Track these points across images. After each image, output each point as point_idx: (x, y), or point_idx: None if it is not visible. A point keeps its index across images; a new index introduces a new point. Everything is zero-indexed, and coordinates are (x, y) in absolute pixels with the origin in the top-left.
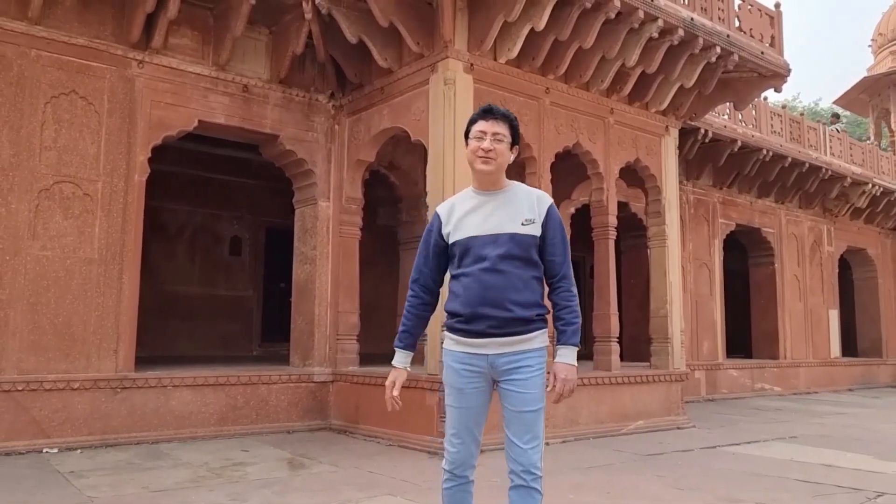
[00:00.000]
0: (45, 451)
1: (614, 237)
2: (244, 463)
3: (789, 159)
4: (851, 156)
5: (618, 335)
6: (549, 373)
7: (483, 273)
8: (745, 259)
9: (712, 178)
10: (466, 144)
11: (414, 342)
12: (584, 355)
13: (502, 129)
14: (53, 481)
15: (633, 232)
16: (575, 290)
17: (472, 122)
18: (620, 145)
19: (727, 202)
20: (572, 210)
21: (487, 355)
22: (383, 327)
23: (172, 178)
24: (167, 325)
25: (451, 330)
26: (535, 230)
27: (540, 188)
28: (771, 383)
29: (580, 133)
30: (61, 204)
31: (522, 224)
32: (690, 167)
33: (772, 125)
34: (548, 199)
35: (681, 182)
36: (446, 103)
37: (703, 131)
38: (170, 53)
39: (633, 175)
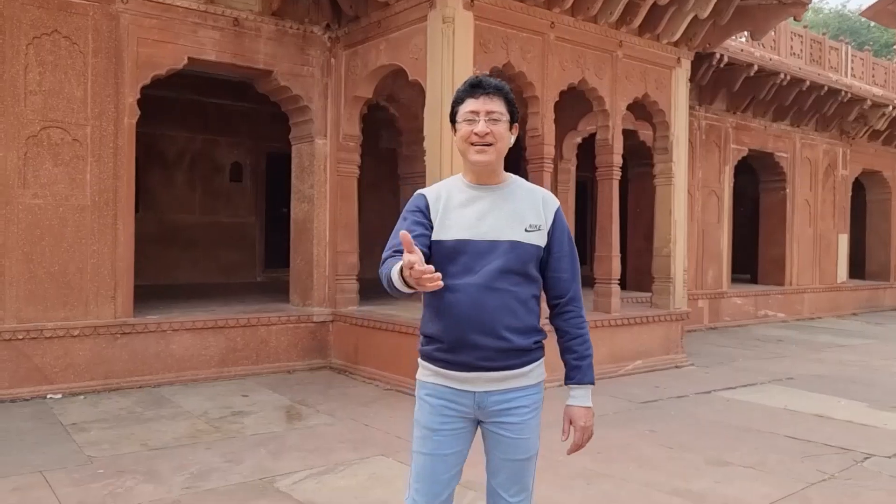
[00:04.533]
0: (49, 396)
1: (619, 177)
2: (243, 412)
3: (807, 83)
4: (873, 76)
5: (619, 277)
6: (567, 420)
7: (475, 290)
8: (756, 182)
9: (726, 103)
10: (454, 130)
11: None
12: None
13: (498, 105)
14: (54, 436)
15: (641, 160)
16: (584, 313)
17: (457, 101)
18: (629, 80)
19: (740, 127)
20: (578, 140)
21: (474, 392)
22: None
23: (169, 104)
24: (169, 255)
25: (428, 358)
26: (541, 239)
27: (543, 129)
28: (775, 310)
29: (586, 69)
30: (50, 150)
31: (526, 230)
32: (704, 93)
33: (791, 47)
34: (555, 202)
35: (693, 108)
36: (445, 43)
37: (718, 56)
38: None
39: (642, 108)
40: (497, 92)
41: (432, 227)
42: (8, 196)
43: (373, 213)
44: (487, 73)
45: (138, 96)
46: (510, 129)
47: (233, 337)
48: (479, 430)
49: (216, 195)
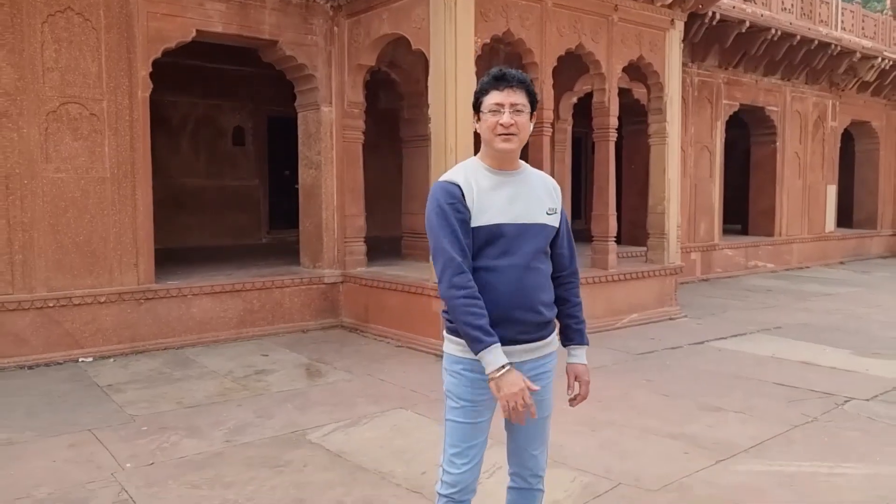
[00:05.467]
0: (80, 360)
1: (615, 138)
2: (265, 371)
3: (798, 37)
4: (863, 29)
5: (615, 235)
6: (572, 376)
7: (516, 270)
8: (747, 136)
9: (718, 59)
10: (477, 118)
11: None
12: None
13: (520, 97)
14: (94, 397)
15: (636, 118)
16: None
17: (482, 91)
18: (624, 43)
19: (732, 82)
20: (574, 100)
21: (511, 364)
22: (389, 211)
23: (171, 70)
24: (178, 218)
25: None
26: (556, 221)
27: (542, 95)
28: (764, 260)
29: (583, 34)
30: (69, 125)
31: (547, 213)
32: (696, 50)
33: (782, 2)
34: (559, 187)
35: (685, 65)
36: (447, 13)
37: (710, 14)
38: None
39: (637, 69)
40: (520, 85)
41: (470, 214)
42: (33, 171)
43: (373, 173)
44: (488, 41)
45: (150, 69)
46: (530, 118)
47: (249, 299)
48: None
49: (220, 159)
